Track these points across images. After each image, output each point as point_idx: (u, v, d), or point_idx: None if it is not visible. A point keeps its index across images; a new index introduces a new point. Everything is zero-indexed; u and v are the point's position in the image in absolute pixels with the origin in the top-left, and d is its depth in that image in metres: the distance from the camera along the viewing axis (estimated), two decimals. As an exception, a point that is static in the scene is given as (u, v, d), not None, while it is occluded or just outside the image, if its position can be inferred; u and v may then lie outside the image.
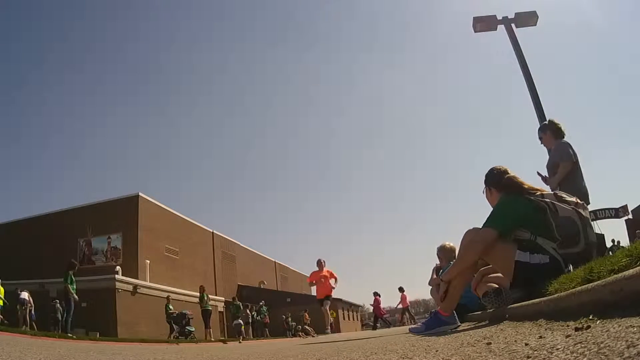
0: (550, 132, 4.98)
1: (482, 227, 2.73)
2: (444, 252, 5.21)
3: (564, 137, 4.90)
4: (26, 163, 71.27)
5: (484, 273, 3.06)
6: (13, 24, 68.77)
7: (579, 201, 2.75)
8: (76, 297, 9.99)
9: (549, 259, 2.54)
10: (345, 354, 2.09)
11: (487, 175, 3.09)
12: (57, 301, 14.28)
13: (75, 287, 10.15)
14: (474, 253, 2.74)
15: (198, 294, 15.63)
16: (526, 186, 2.88)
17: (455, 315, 2.97)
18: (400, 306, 18.58)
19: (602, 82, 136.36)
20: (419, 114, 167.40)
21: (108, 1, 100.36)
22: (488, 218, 2.74)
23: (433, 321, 2.93)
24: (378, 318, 19.14)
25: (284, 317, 25.64)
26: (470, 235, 2.79)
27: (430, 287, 5.34)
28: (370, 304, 19.65)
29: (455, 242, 4.99)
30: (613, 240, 15.40)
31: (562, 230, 2.55)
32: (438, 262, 5.48)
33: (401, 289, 18.31)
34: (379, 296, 19.01)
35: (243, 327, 19.68)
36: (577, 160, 4.71)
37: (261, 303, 23.55)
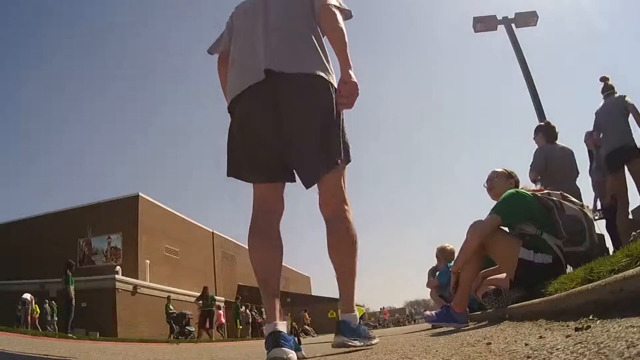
0: (542, 134, 4.77)
1: (488, 215, 2.75)
2: (443, 254, 5.20)
3: (554, 141, 4.65)
4: (26, 163, 71.27)
5: (484, 275, 3.07)
6: (13, 25, 68.78)
7: (584, 204, 2.80)
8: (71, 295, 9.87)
9: (552, 259, 2.54)
10: (345, 353, 2.09)
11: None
12: (48, 301, 14.32)
13: (73, 287, 10.07)
14: (477, 236, 2.74)
15: (198, 294, 15.68)
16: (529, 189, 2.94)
17: (467, 313, 2.97)
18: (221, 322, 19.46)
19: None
20: (418, 114, 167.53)
21: (109, 0, 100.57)
22: (493, 207, 2.76)
23: (444, 315, 2.93)
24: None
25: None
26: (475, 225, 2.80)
27: (430, 289, 5.35)
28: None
29: (456, 244, 4.98)
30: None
31: (568, 228, 2.58)
32: (436, 264, 5.47)
33: (218, 307, 20.10)
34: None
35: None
36: (559, 166, 4.40)
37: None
